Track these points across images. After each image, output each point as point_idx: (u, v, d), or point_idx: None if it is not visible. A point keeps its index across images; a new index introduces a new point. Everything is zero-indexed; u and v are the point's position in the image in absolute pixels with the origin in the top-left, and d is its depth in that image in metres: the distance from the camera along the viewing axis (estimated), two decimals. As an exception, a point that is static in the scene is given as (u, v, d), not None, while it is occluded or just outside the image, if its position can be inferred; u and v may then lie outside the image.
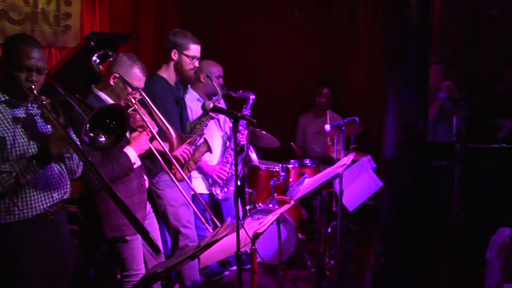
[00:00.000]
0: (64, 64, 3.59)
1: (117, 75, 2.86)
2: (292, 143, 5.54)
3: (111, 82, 2.88)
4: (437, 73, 4.65)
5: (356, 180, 3.80)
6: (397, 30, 3.96)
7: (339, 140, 3.94)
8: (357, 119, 3.91)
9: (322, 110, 5.57)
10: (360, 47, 6.07)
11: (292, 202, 3.15)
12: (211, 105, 2.51)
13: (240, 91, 4.34)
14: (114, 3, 5.47)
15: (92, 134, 2.19)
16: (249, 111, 4.36)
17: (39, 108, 2.33)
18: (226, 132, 4.34)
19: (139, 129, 2.95)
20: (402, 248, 4.07)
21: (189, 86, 4.15)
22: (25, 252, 2.35)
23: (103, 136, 2.24)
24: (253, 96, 4.34)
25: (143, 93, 3.00)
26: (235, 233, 2.41)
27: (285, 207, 3.03)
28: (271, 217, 2.87)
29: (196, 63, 3.63)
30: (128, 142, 2.92)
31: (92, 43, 3.44)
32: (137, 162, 2.92)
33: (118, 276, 3.25)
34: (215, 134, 4.22)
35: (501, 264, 3.03)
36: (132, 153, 2.88)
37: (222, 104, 4.35)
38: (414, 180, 3.99)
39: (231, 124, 4.37)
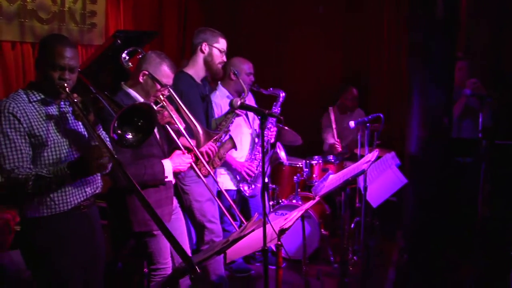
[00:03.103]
0: (91, 62, 3.65)
1: (147, 73, 2.91)
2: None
3: (141, 79, 2.93)
4: (462, 70, 4.60)
5: (380, 177, 3.80)
6: (422, 26, 3.94)
7: (363, 136, 3.94)
8: (381, 115, 3.90)
9: (349, 110, 5.56)
10: (384, 43, 6.04)
11: (317, 198, 3.17)
12: (239, 102, 2.54)
13: (271, 89, 4.35)
14: (138, 0, 5.53)
15: (120, 131, 2.24)
16: (279, 108, 4.36)
17: (70, 106, 2.40)
18: (255, 130, 4.36)
19: (185, 151, 3.04)
20: (425, 245, 4.06)
21: (219, 83, 4.19)
22: (60, 243, 2.44)
23: (130, 134, 2.29)
24: (283, 94, 4.35)
25: (171, 90, 3.05)
26: (261, 229, 2.45)
27: (311, 202, 3.05)
28: (297, 213, 2.89)
29: (224, 58, 3.68)
30: (168, 155, 2.99)
31: (118, 41, 3.49)
32: (169, 177, 2.96)
33: (145, 269, 3.31)
34: (244, 131, 4.26)
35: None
36: (169, 167, 2.94)
37: (251, 101, 4.39)
38: (439, 176, 3.97)
39: (258, 122, 4.43)
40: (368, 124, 3.74)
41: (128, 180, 2.13)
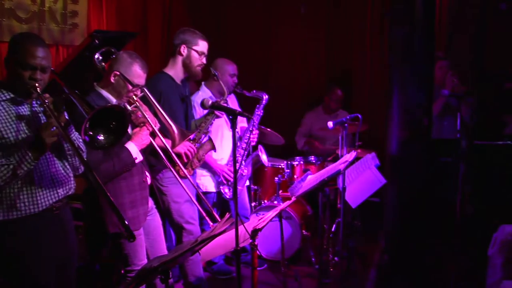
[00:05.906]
0: (69, 62, 3.62)
1: (118, 73, 2.88)
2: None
3: (112, 80, 2.91)
4: (442, 69, 4.61)
5: (359, 177, 3.80)
6: (402, 26, 3.94)
7: (342, 137, 3.94)
8: (359, 116, 3.90)
9: (333, 111, 5.56)
10: (366, 43, 6.05)
11: (293, 199, 3.17)
12: (210, 102, 2.53)
13: (254, 91, 4.35)
14: (121, 1, 5.50)
15: (91, 133, 2.23)
16: (262, 111, 4.35)
17: (41, 106, 2.37)
18: (237, 132, 4.35)
19: (141, 125, 2.98)
20: (406, 245, 4.06)
21: (203, 83, 4.18)
22: (32, 245, 2.41)
23: (102, 136, 2.28)
24: (266, 96, 4.34)
25: (145, 90, 3.02)
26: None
27: (286, 203, 3.05)
28: (272, 213, 2.89)
29: (204, 60, 3.65)
30: (129, 138, 2.95)
31: (96, 40, 3.46)
32: (138, 157, 2.94)
33: (122, 271, 3.29)
34: (225, 133, 4.24)
35: (502, 261, 3.01)
36: (133, 148, 2.90)
37: (234, 103, 4.37)
38: (419, 177, 3.97)
39: (242, 124, 4.42)
40: (346, 125, 3.74)
41: (94, 179, 2.12)
